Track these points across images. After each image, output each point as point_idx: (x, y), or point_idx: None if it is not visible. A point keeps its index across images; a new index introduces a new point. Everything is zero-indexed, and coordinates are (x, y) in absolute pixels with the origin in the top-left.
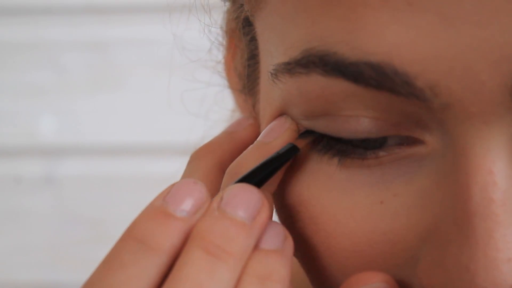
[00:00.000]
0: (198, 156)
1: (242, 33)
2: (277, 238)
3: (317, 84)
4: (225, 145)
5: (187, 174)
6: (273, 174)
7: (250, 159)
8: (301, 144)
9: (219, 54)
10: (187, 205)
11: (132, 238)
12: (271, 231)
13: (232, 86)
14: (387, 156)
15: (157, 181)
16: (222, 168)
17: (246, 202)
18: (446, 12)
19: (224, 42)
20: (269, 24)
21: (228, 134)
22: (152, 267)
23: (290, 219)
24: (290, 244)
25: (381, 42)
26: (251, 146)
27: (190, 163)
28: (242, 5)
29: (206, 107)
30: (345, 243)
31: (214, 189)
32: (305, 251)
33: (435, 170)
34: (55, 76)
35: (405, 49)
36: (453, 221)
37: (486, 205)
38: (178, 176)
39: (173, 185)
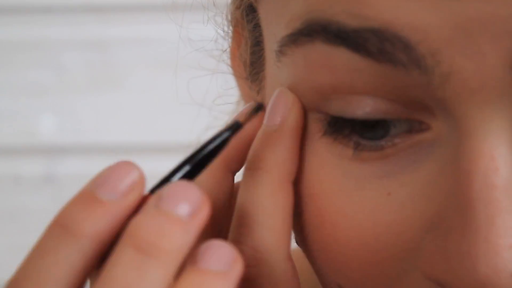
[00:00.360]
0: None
1: (246, 20)
2: (222, 259)
3: (321, 53)
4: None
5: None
6: (218, 153)
7: (267, 150)
8: (243, 118)
9: (224, 43)
10: (116, 187)
11: (56, 223)
12: (216, 251)
13: (237, 75)
14: (403, 143)
15: (158, 180)
16: (228, 167)
17: (184, 199)
18: None
19: (229, 32)
20: (272, 4)
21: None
22: (74, 253)
23: (297, 209)
24: (237, 268)
25: (381, 10)
26: (260, 133)
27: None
28: None
29: (209, 106)
30: (351, 236)
31: (222, 190)
32: (311, 242)
33: (440, 157)
34: (55, 75)
35: (406, 18)
36: (456, 208)
37: (488, 191)
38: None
39: (106, 168)
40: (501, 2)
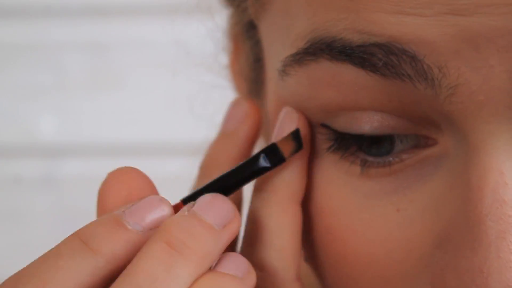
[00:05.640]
0: (205, 171)
1: (246, 37)
2: (238, 267)
3: (326, 71)
4: (231, 152)
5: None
6: (254, 178)
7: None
8: (287, 153)
9: (223, 56)
10: (142, 219)
11: (77, 236)
12: (233, 260)
13: (238, 90)
14: (410, 159)
15: (158, 180)
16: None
17: (217, 210)
18: (454, 4)
19: (229, 46)
20: (275, 24)
21: (228, 136)
22: (86, 266)
23: (306, 226)
24: (252, 278)
25: (386, 27)
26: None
27: (199, 178)
28: (245, 9)
29: (209, 106)
30: (361, 252)
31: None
32: (321, 259)
33: (448, 171)
34: (56, 76)
35: (412, 34)
36: (466, 224)
37: (498, 206)
38: (179, 176)
39: (139, 200)
40: (509, 16)
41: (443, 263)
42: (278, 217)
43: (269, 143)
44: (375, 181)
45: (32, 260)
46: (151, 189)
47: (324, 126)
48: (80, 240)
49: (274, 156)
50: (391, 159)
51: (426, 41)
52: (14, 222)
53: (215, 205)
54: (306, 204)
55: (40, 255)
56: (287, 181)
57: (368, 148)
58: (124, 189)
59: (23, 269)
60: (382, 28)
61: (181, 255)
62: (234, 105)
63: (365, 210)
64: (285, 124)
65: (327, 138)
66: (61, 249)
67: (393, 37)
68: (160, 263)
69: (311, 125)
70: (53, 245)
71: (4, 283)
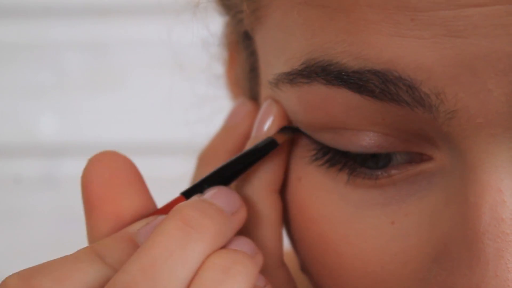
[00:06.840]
0: (204, 162)
1: (242, 47)
2: (248, 247)
3: (318, 94)
4: (229, 145)
5: (197, 179)
6: (250, 167)
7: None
8: (281, 139)
9: (220, 57)
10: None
11: (92, 250)
12: (242, 242)
13: (235, 98)
14: (399, 174)
15: (158, 180)
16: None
17: (225, 199)
18: (451, 25)
19: (224, 55)
20: (270, 38)
21: (229, 130)
22: (99, 276)
23: (299, 234)
24: (260, 258)
25: (383, 52)
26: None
27: (197, 168)
28: (241, 19)
29: (209, 107)
30: (356, 264)
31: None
32: (315, 269)
33: (444, 186)
34: (56, 76)
35: (409, 57)
36: (463, 241)
37: (495, 224)
38: (178, 176)
39: (155, 218)
40: (506, 40)
41: (440, 279)
42: (255, 207)
43: (253, 135)
44: (363, 190)
45: (32, 260)
46: (133, 170)
47: (310, 138)
48: (96, 253)
49: (267, 142)
50: (379, 173)
51: (423, 67)
52: (14, 222)
53: (222, 194)
54: (298, 210)
55: (40, 254)
56: (261, 172)
57: (363, 161)
58: (106, 171)
59: (42, 263)
60: (380, 51)
61: (196, 231)
62: (239, 104)
63: (357, 220)
64: (265, 115)
65: (314, 148)
66: (80, 255)
67: (390, 62)
68: (176, 238)
69: (289, 120)
70: (53, 245)
71: (23, 271)
